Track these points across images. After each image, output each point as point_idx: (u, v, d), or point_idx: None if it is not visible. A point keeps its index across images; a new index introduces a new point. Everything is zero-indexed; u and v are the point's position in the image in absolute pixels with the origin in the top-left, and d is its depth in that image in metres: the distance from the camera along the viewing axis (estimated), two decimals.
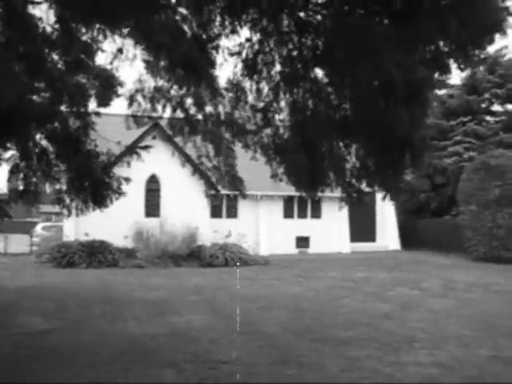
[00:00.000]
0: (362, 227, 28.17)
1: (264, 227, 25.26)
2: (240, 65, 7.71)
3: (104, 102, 10.06)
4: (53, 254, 19.23)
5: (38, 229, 33.63)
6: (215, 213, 24.73)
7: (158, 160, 20.95)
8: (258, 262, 20.46)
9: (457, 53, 5.36)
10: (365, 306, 11.39)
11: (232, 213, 25.08)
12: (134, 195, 20.84)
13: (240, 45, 7.62)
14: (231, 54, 7.68)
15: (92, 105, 9.43)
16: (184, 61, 6.61)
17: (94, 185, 8.87)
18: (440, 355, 7.52)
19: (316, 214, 26.52)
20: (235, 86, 7.74)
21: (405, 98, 5.25)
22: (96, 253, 19.02)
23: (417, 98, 5.44)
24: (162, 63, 7.15)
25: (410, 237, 29.23)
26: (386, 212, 28.96)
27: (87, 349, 7.92)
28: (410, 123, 5.35)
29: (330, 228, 26.50)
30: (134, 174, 20.11)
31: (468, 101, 26.91)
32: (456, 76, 30.02)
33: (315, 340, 8.34)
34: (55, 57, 7.84)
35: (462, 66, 5.43)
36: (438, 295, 12.85)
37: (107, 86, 9.40)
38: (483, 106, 28.48)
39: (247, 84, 7.72)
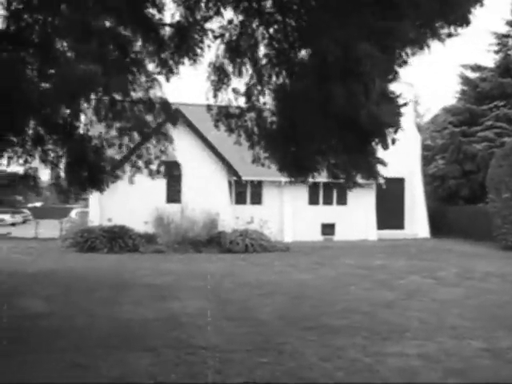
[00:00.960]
0: (390, 214, 27.57)
1: (288, 214, 25.04)
2: (222, 47, 7.54)
3: None
4: (76, 239, 19.57)
5: (73, 214, 34.52)
6: (239, 199, 24.67)
7: (180, 146, 20.89)
8: (278, 249, 20.30)
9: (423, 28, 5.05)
10: (370, 294, 11.11)
11: (256, 199, 24.93)
12: (155, 181, 21.08)
13: (223, 27, 7.45)
14: (215, 37, 7.51)
15: None
16: None
17: (89, 169, 8.87)
18: (429, 346, 7.22)
19: (342, 200, 26.05)
20: (218, 70, 7.57)
21: (340, 73, 4.96)
22: (117, 238, 19.24)
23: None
24: None
25: (440, 224, 28.42)
26: (415, 199, 28.28)
27: (77, 332, 7.99)
28: (348, 100, 5.06)
29: (357, 215, 26.02)
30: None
31: (501, 83, 25.79)
32: (490, 58, 28.74)
33: (305, 328, 8.15)
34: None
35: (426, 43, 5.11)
36: (449, 284, 12.42)
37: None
38: None
39: (230, 67, 7.54)
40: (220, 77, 7.49)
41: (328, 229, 25.72)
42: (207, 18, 7.40)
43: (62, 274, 14.03)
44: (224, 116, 7.72)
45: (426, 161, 30.31)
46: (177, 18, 7.49)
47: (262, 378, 5.94)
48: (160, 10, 7.24)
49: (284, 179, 24.18)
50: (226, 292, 11.36)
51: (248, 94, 7.52)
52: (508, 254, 19.68)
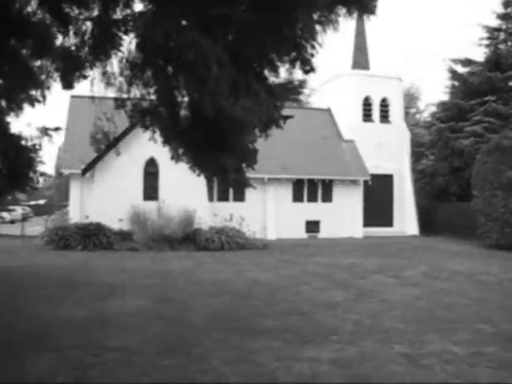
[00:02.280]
0: (379, 211, 27.23)
1: (271, 211, 24.75)
2: (135, 41, 7.24)
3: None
4: (51, 237, 19.42)
5: (64, 211, 34.44)
6: (222, 196, 24.42)
7: (157, 143, 20.70)
8: (256, 247, 20.03)
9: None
10: (320, 294, 10.77)
11: (239, 196, 24.63)
12: (133, 179, 20.93)
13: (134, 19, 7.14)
14: (125, 32, 7.22)
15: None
16: None
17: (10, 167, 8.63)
18: (348, 351, 6.88)
19: (327, 197, 25.76)
20: (130, 64, 7.27)
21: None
22: (91, 235, 19.05)
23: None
24: None
25: (430, 222, 28.06)
26: (404, 196, 27.92)
27: None
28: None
29: (342, 212, 25.70)
30: (133, 158, 20.36)
31: (490, 78, 25.23)
32: (479, 52, 28.13)
33: (231, 329, 7.86)
34: None
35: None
36: (409, 284, 12.05)
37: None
38: (511, 83, 26.69)
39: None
40: (133, 71, 7.19)
41: (312, 226, 25.39)
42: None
43: (21, 272, 13.84)
44: (138, 112, 7.42)
45: (418, 157, 29.86)
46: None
47: (152, 382, 5.68)
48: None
49: (267, 176, 24.12)
50: (174, 291, 11.10)
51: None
52: (490, 253, 19.28)
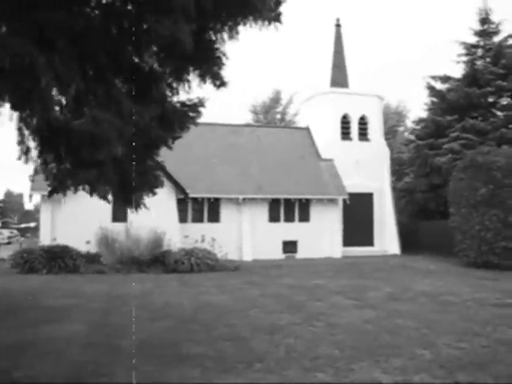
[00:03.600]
0: (359, 231, 26.80)
1: (247, 232, 24.31)
2: None
3: None
4: (16, 260, 18.95)
5: None
6: (196, 217, 24.05)
7: None
8: (227, 268, 19.56)
9: None
10: (267, 317, 10.31)
11: (214, 217, 24.26)
12: (101, 200, 20.49)
13: None
14: None
15: None
16: None
17: None
18: (267, 380, 6.44)
19: (304, 217, 25.35)
20: None
21: None
22: (56, 258, 18.58)
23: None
24: None
25: (411, 240, 27.69)
26: (385, 214, 27.49)
27: None
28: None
29: (320, 232, 25.27)
30: None
31: (468, 93, 25.01)
32: (458, 69, 27.97)
33: (154, 356, 7.41)
34: None
35: None
36: (367, 306, 11.59)
37: None
38: (491, 100, 26.49)
39: None
40: None
41: (290, 246, 24.95)
42: None
43: None
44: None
45: (400, 175, 29.55)
46: None
47: None
48: None
49: (242, 196, 23.76)
50: (118, 315, 10.65)
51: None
52: (466, 271, 18.84)
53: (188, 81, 6.55)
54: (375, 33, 73.86)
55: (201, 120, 27.34)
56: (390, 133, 41.20)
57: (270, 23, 5.80)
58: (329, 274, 17.93)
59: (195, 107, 6.50)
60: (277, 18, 5.83)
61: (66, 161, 5.97)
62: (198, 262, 19.16)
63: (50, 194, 7.64)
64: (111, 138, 4.87)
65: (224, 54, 6.31)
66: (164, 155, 24.40)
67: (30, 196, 23.14)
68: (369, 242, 27.10)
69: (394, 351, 7.68)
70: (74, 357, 7.45)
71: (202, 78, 6.52)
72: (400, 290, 13.98)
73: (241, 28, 5.81)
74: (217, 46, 6.30)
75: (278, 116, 47.32)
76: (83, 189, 7.40)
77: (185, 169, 23.91)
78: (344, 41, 29.69)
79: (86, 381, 6.42)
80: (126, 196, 7.23)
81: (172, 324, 9.79)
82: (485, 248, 19.38)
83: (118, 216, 20.82)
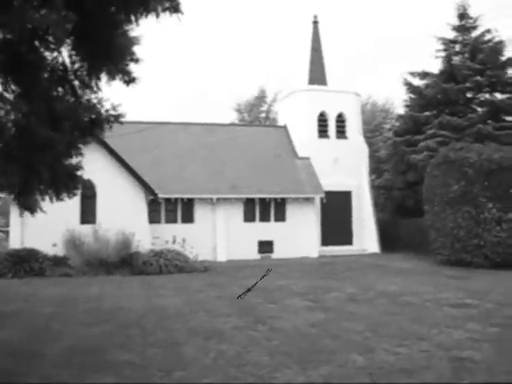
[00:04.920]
0: (337, 229, 26.51)
1: (221, 232, 23.98)
2: None
3: None
4: None
5: None
6: (170, 218, 23.72)
7: (94, 165, 20.10)
8: (197, 269, 19.26)
9: None
10: (210, 321, 10.00)
11: (187, 218, 23.94)
12: (69, 202, 20.13)
13: None
14: None
15: None
16: None
17: None
18: None
19: (280, 216, 25.03)
20: None
21: None
22: (22, 262, 18.22)
23: None
24: None
25: (391, 238, 27.42)
26: (363, 212, 27.19)
27: None
28: None
29: (297, 231, 24.94)
30: None
31: (445, 89, 24.72)
32: (434, 64, 27.69)
33: (74, 364, 7.13)
34: None
35: None
36: (321, 308, 11.29)
37: None
38: (469, 95, 26.24)
39: None
40: None
41: (265, 246, 24.65)
42: None
43: None
44: None
45: (380, 173, 29.29)
46: None
47: None
48: None
49: (216, 196, 23.45)
50: (59, 320, 10.34)
51: None
52: (438, 269, 18.61)
53: (97, 78, 6.24)
54: (355, 22, 73.22)
55: (175, 119, 26.71)
56: (378, 130, 40.94)
57: (170, 13, 5.50)
58: (297, 275, 17.63)
59: (93, 108, 6.15)
60: (176, 8, 5.50)
61: None
62: (167, 264, 18.84)
63: None
64: None
65: (133, 50, 6.03)
66: (135, 155, 24.04)
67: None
68: (347, 240, 26.80)
69: (327, 357, 7.39)
70: None
71: (110, 75, 6.22)
72: (362, 291, 13.70)
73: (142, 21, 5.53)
74: (123, 41, 5.99)
75: (263, 115, 47.05)
76: None
77: (158, 169, 23.60)
78: (322, 37, 29.38)
79: None
80: (22, 198, 6.87)
81: (110, 329, 9.48)
82: (458, 246, 19.12)
83: (87, 218, 20.48)
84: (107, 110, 7.16)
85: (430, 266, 19.84)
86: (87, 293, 14.14)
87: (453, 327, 9.20)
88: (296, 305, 11.81)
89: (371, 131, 40.61)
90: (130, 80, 6.37)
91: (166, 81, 72.87)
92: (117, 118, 7.35)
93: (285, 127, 28.58)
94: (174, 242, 21.00)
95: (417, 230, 24.87)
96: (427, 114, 25.32)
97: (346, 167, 26.84)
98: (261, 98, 47.07)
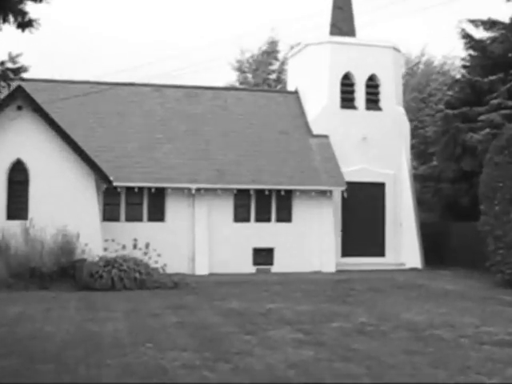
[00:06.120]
0: (363, 235, 26.42)
1: (203, 235, 24.02)
2: None
3: None
4: None
5: None
6: (132, 214, 23.73)
7: (26, 140, 20.24)
8: (162, 284, 19.34)
9: None
10: (154, 357, 9.97)
11: (156, 214, 23.96)
12: None
13: None
14: None
15: None
16: None
17: None
18: None
19: (284, 215, 25.05)
20: None
21: None
22: None
23: None
24: None
25: (439, 249, 27.29)
26: (402, 213, 27.09)
27: None
28: None
29: (307, 236, 24.90)
30: None
31: None
32: (506, 9, 27.27)
33: None
34: None
35: None
36: (314, 343, 11.26)
37: None
38: None
39: None
40: None
41: (263, 256, 24.74)
42: None
43: None
44: None
45: (425, 158, 29.20)
46: None
47: None
48: None
49: (196, 186, 23.52)
50: None
51: None
52: (493, 293, 18.57)
53: None
54: None
55: (144, 80, 26.55)
56: (426, 100, 40.76)
57: None
58: (296, 296, 17.69)
59: None
60: None
61: None
62: (122, 276, 18.90)
63: None
64: None
65: None
66: (85, 128, 24.11)
67: None
68: (378, 251, 26.66)
69: None
70: None
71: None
72: (378, 320, 13.68)
73: None
74: None
75: (273, 75, 46.84)
76: None
77: (117, 148, 23.64)
78: None
79: None
80: None
81: (16, 364, 9.51)
82: None
83: (15, 212, 20.55)
84: (2, 63, 7.14)
85: (485, 288, 19.76)
86: (4, 313, 14.23)
87: (486, 373, 9.11)
88: (281, 337, 11.79)
89: (422, 101, 40.48)
90: (25, 23, 6.45)
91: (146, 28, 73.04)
92: (16, 73, 7.32)
93: (296, 93, 28.52)
94: (134, 246, 21.17)
95: (474, 238, 24.58)
96: (492, 78, 24.97)
97: (379, 150, 26.69)
98: (270, 53, 46.84)
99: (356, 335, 12.07)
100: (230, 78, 47.83)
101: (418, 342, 11.43)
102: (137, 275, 19.16)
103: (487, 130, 23.47)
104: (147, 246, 20.99)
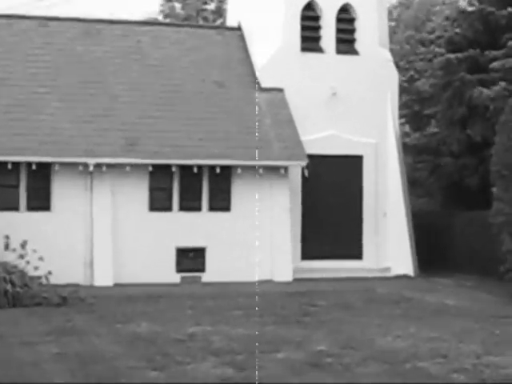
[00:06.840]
0: (333, 230, 26.62)
1: (104, 230, 24.08)
2: None
3: None
4: None
5: None
6: (4, 200, 23.52)
7: None
8: (45, 301, 19.39)
9: None
10: None
11: (39, 201, 23.83)
12: None
13: None
14: None
15: None
16: None
17: None
18: None
19: (221, 202, 25.23)
20: None
21: None
22: None
23: None
24: None
25: (438, 248, 27.69)
26: (387, 198, 27.34)
27: None
28: None
29: (252, 231, 24.92)
30: None
31: None
32: None
33: None
34: None
35: None
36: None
37: None
38: None
39: None
40: None
41: (190, 260, 25.08)
42: None
43: None
44: None
45: (418, 122, 29.60)
46: None
47: None
48: None
49: (95, 160, 23.41)
50: None
51: None
52: (506, 310, 18.91)
53: None
54: None
55: (27, 11, 26.63)
56: (424, 40, 41.27)
57: None
58: (234, 315, 17.87)
59: None
60: None
61: None
62: None
63: None
64: None
65: None
66: None
67: None
68: (353, 251, 26.84)
69: None
70: None
71: None
72: (343, 348, 13.86)
73: None
74: None
75: (211, 6, 47.07)
76: None
77: None
78: None
79: None
80: None
81: None
82: None
83: None
84: None
85: (496, 303, 20.16)
86: None
87: None
88: (202, 373, 11.83)
89: (420, 42, 40.87)
90: None
91: None
92: None
93: (239, 30, 28.66)
94: (6, 246, 20.99)
95: (485, 233, 25.00)
96: (511, 9, 25.35)
97: (355, 110, 26.86)
98: None
99: (308, 370, 12.14)
100: (150, 7, 47.80)
101: (394, 379, 11.56)
102: (8, 287, 19.09)
103: (503, 85, 23.79)
104: (24, 245, 20.71)
